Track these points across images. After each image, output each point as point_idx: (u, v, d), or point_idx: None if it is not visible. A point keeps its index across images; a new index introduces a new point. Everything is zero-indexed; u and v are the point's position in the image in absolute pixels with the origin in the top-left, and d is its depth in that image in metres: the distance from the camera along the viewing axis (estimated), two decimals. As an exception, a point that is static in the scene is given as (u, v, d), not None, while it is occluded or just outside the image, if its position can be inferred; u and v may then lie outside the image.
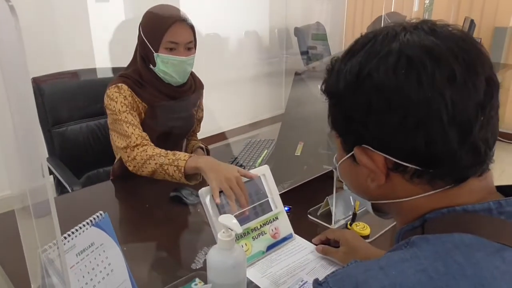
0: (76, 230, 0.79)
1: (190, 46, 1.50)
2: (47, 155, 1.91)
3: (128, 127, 1.45)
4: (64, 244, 0.75)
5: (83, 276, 0.79)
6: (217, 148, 2.06)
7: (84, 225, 0.81)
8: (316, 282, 0.57)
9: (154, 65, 1.50)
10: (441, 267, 0.50)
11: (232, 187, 1.09)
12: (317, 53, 4.31)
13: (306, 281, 0.99)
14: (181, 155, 1.35)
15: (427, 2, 4.63)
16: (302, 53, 4.21)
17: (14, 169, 0.72)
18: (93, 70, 2.07)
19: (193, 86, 1.64)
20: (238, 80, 4.45)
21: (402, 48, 0.56)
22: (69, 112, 1.92)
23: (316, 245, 1.12)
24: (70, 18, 3.01)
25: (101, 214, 0.85)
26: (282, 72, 4.82)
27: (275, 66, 4.77)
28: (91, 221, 0.82)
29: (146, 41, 1.48)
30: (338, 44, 5.07)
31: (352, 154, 0.64)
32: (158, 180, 1.50)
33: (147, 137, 1.46)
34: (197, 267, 1.04)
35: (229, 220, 0.84)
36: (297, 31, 4.19)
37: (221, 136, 3.93)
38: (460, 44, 0.56)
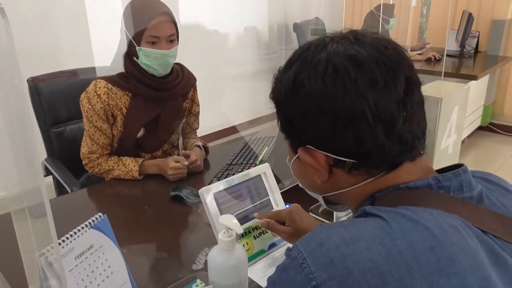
0: (75, 233, 0.78)
1: (172, 39, 1.52)
2: (45, 156, 1.90)
3: (89, 140, 1.58)
4: (63, 247, 0.74)
5: (83, 279, 0.78)
6: (217, 146, 2.05)
7: (82, 227, 0.80)
8: (288, 249, 0.61)
9: (137, 57, 1.51)
10: (395, 225, 0.57)
11: (174, 174, 1.50)
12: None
13: None
14: (131, 165, 1.56)
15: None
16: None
17: (10, 170, 0.71)
18: (92, 69, 2.05)
19: (181, 77, 1.65)
20: (238, 76, 4.44)
21: (329, 57, 0.63)
22: (67, 111, 1.91)
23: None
24: (68, 16, 3.00)
25: (100, 216, 0.84)
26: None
27: (275, 62, 4.75)
28: (90, 223, 0.81)
29: (129, 35, 1.50)
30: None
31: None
32: (158, 179, 1.49)
33: (107, 148, 1.61)
34: (198, 268, 1.03)
35: (229, 220, 0.83)
36: (296, 26, 4.17)
37: (221, 133, 3.92)
38: (381, 50, 0.63)
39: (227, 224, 0.82)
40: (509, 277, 0.57)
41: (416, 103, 0.64)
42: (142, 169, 1.57)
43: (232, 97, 4.37)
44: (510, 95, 4.13)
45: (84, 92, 1.56)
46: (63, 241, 0.75)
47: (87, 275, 0.79)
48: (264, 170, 1.14)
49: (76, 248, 0.77)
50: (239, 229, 0.82)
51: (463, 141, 3.92)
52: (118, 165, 1.57)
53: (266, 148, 1.73)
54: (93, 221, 0.82)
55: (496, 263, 0.57)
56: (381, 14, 3.91)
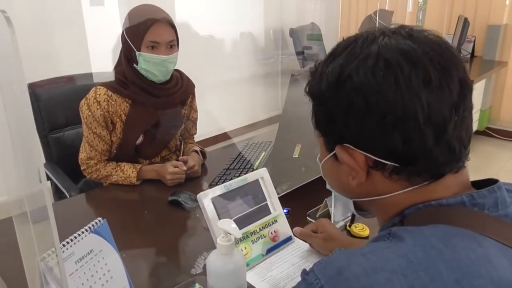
0: (75, 238, 0.79)
1: (172, 44, 1.53)
2: (44, 161, 1.91)
3: (88, 146, 1.59)
4: (63, 251, 0.75)
5: (82, 284, 0.79)
6: (215, 151, 2.06)
7: (82, 232, 0.80)
8: (304, 272, 0.59)
9: (137, 63, 1.52)
10: (420, 252, 0.53)
11: (173, 179, 1.52)
12: (312, 53, 4.32)
13: None
14: (129, 171, 1.57)
15: (421, 1, 4.64)
16: (298, 53, 4.22)
17: (11, 175, 0.72)
18: (89, 75, 2.06)
19: (180, 84, 1.66)
20: (234, 81, 4.45)
21: (381, 51, 0.59)
22: (65, 117, 1.92)
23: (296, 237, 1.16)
24: (65, 23, 3.01)
25: (99, 221, 0.84)
26: (278, 72, 4.83)
27: (271, 67, 4.77)
28: (89, 228, 0.82)
29: (129, 41, 1.51)
30: (334, 44, 5.08)
31: (334, 153, 0.66)
32: (156, 184, 1.49)
33: (106, 154, 1.62)
34: (197, 272, 1.03)
35: (228, 225, 0.84)
36: (292, 32, 4.20)
37: (219, 138, 3.93)
38: (436, 49, 0.59)
39: (226, 228, 0.83)
40: None
41: (467, 108, 0.60)
42: (140, 175, 1.58)
43: (229, 102, 4.39)
44: (506, 100, 4.16)
45: (84, 99, 1.57)
46: (64, 245, 0.75)
47: (87, 279, 0.80)
48: (262, 175, 1.15)
49: (76, 253, 0.78)
50: (238, 233, 0.82)
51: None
52: (116, 171, 1.58)
53: (264, 153, 1.74)
54: (93, 225, 0.82)
55: None
56: (377, 19, 3.94)
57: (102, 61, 3.00)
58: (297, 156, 1.36)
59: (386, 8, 4.52)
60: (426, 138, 0.57)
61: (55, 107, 1.89)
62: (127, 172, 1.57)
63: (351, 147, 0.63)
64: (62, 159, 1.89)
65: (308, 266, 1.05)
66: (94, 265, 0.82)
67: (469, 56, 4.02)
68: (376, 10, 4.14)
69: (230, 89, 4.41)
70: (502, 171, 3.61)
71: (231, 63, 4.40)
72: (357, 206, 0.74)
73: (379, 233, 0.66)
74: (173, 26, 1.52)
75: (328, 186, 0.77)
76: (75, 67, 2.10)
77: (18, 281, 0.87)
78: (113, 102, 1.55)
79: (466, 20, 3.80)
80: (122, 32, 1.55)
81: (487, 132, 4.25)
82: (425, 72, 0.57)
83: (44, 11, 2.89)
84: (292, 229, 1.16)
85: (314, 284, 0.54)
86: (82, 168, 1.62)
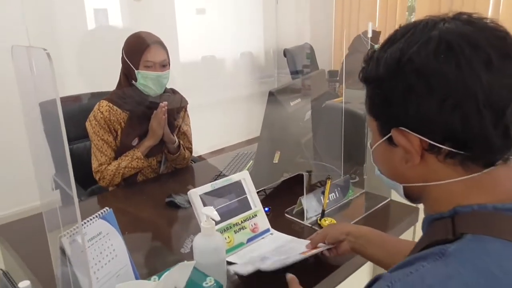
0: (88, 221, 0.99)
1: (164, 63, 1.80)
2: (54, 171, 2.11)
3: (98, 153, 1.83)
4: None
5: (93, 258, 0.98)
6: (208, 161, 2.26)
7: (93, 218, 1.00)
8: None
9: (136, 80, 1.79)
10: (482, 281, 0.54)
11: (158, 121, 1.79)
12: (308, 71, 4.55)
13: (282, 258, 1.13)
14: (131, 153, 1.83)
15: (407, 15, 4.90)
16: (292, 72, 4.44)
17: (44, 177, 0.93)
18: (96, 94, 2.29)
19: (172, 98, 1.92)
20: (234, 99, 4.66)
21: (442, 35, 0.60)
22: (75, 132, 2.13)
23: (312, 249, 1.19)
24: (73, 46, 3.25)
25: (106, 210, 1.04)
26: (275, 91, 5.03)
27: (270, 85, 4.99)
28: (98, 215, 1.02)
29: (128, 61, 1.79)
30: (328, 62, 5.34)
31: (388, 138, 0.68)
32: (154, 187, 1.70)
33: (112, 158, 1.85)
34: (186, 252, 1.24)
35: (210, 211, 1.04)
36: (287, 52, 4.43)
37: (217, 153, 4.11)
38: (495, 33, 0.61)
39: (208, 213, 1.03)
40: None
41: None
42: (141, 149, 1.84)
43: (228, 118, 4.60)
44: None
45: (91, 113, 1.83)
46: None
47: (97, 255, 0.99)
48: (244, 176, 1.35)
49: (89, 233, 0.98)
50: (217, 217, 1.02)
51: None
52: (121, 160, 1.83)
53: (252, 161, 1.94)
54: (101, 213, 1.02)
55: None
56: (369, 39, 4.17)
57: (106, 82, 3.24)
58: (277, 161, 1.57)
59: (377, 25, 4.78)
60: (485, 121, 0.58)
61: (66, 123, 2.09)
62: (129, 153, 1.83)
63: (407, 130, 0.63)
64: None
65: (285, 249, 1.24)
66: (102, 245, 1.01)
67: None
68: (365, 30, 4.38)
69: (230, 106, 4.63)
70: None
71: (231, 81, 4.61)
72: (406, 193, 0.74)
73: (424, 220, 0.70)
74: (165, 48, 1.80)
75: (377, 172, 0.78)
76: (85, 87, 2.32)
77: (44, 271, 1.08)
78: (113, 112, 1.82)
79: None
80: (122, 54, 1.81)
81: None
82: (485, 55, 0.58)
83: (55, 36, 3.13)
84: (270, 223, 1.35)
85: None
86: (97, 177, 1.85)
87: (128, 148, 1.86)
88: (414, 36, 0.62)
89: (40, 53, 0.62)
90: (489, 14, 4.17)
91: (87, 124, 1.84)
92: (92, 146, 1.85)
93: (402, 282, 0.57)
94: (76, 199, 0.77)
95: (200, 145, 2.10)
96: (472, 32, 0.60)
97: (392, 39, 0.66)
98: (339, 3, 5.15)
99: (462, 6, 4.23)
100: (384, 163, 0.74)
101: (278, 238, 1.32)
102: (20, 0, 2.89)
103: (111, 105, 1.82)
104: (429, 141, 0.62)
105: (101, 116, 1.80)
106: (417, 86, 0.60)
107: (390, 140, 0.67)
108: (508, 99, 0.58)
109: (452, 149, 0.61)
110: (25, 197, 2.57)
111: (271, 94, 1.42)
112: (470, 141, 0.60)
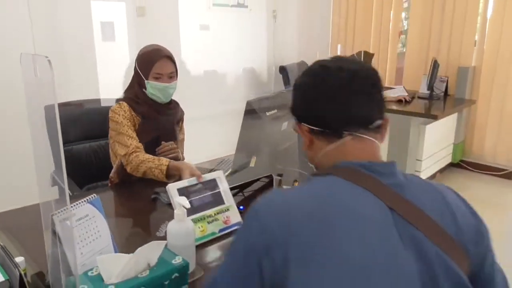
0: (76, 204, 1.16)
1: (172, 75, 1.98)
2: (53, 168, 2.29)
3: (128, 139, 1.92)
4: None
5: (79, 236, 1.15)
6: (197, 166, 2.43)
7: (81, 202, 1.17)
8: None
9: (146, 89, 1.97)
10: (324, 191, 0.87)
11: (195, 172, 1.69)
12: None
13: None
14: (163, 160, 1.84)
15: (400, 45, 5.10)
16: (287, 88, 4.63)
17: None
18: (98, 100, 2.49)
19: (175, 108, 2.12)
20: (232, 112, 4.83)
21: (312, 67, 1.01)
22: (74, 134, 2.32)
23: None
24: (79, 54, 3.46)
25: (94, 196, 1.22)
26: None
27: (271, 100, 5.14)
28: (87, 199, 1.19)
29: (140, 72, 1.97)
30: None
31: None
32: (143, 185, 1.87)
33: (141, 146, 1.93)
34: (161, 235, 1.42)
35: (182, 200, 1.21)
36: (282, 69, 4.63)
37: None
38: (347, 63, 0.98)
39: (180, 201, 1.20)
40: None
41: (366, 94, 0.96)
42: (171, 165, 1.83)
43: (228, 130, 4.77)
44: (477, 135, 4.51)
45: (112, 110, 1.97)
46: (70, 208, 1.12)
47: (83, 234, 1.15)
48: (218, 175, 1.52)
49: (77, 214, 1.14)
50: (188, 204, 1.19)
51: (434, 176, 4.30)
52: (153, 159, 1.87)
53: (254, 157, 2.11)
54: (89, 198, 1.20)
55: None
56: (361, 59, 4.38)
57: (109, 88, 3.42)
58: (253, 165, 1.74)
59: (371, 47, 4.98)
60: (329, 108, 0.95)
61: (66, 126, 2.28)
62: (161, 160, 1.84)
63: (302, 124, 0.99)
64: (69, 169, 2.19)
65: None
66: (88, 226, 1.17)
67: (442, 94, 4.41)
68: (359, 51, 4.59)
69: (228, 119, 4.80)
70: (471, 201, 3.92)
71: (232, 95, 4.78)
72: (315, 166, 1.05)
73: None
74: (173, 61, 1.99)
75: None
76: (86, 93, 2.50)
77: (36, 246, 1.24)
78: (132, 113, 1.98)
79: (436, 61, 4.22)
80: (135, 65, 2.01)
81: (461, 165, 4.59)
82: (336, 75, 0.96)
83: (60, 44, 3.34)
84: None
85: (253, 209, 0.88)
86: (125, 162, 1.91)
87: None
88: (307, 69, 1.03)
89: (43, 61, 0.79)
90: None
91: (110, 118, 1.95)
92: (116, 135, 1.94)
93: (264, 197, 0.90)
94: (65, 179, 0.94)
95: (200, 155, 2.28)
96: (328, 62, 1.00)
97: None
98: (336, 23, 5.36)
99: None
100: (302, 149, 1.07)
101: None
102: (28, 10, 3.08)
103: (129, 107, 1.97)
104: (309, 126, 0.98)
105: (123, 112, 1.94)
106: (303, 95, 1.01)
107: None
108: (339, 91, 0.95)
109: (321, 129, 0.96)
110: (25, 197, 2.72)
111: (248, 104, 1.60)
112: (322, 124, 0.96)
